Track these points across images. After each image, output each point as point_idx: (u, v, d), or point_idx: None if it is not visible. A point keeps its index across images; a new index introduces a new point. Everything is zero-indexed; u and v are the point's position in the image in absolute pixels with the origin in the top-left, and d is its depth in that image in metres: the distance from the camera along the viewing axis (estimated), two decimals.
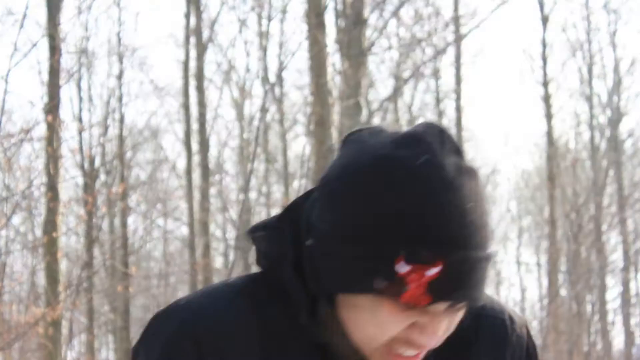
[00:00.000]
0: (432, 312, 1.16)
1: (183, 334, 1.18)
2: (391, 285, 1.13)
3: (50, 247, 10.71)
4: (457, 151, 1.18)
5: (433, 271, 1.12)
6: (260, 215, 21.10)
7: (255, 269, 1.28)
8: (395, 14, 15.49)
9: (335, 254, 1.15)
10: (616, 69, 20.67)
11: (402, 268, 1.12)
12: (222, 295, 1.22)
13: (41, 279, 11.92)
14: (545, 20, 18.75)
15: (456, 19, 16.57)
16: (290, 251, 1.21)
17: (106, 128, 17.16)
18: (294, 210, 1.24)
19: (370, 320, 1.16)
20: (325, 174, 1.21)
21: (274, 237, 1.23)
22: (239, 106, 19.81)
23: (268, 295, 1.22)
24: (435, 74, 18.75)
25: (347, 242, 1.15)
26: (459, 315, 1.20)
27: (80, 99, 16.90)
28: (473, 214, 1.15)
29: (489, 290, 1.41)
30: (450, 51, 17.73)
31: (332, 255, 1.16)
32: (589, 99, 20.63)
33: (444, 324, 1.17)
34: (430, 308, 1.15)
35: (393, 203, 1.14)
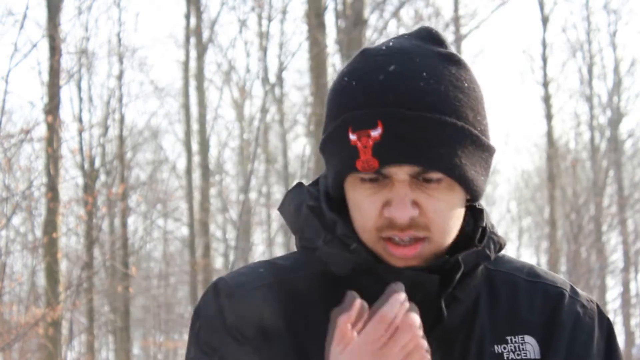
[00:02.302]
0: (396, 184, 1.21)
1: (214, 290, 1.31)
2: (349, 156, 1.22)
3: (50, 247, 10.70)
4: (439, 42, 1.27)
5: (375, 133, 1.19)
6: (260, 215, 21.10)
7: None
8: (396, 14, 15.48)
9: (323, 145, 1.28)
10: (616, 70, 20.67)
11: (352, 136, 1.21)
12: (249, 267, 1.35)
13: (41, 280, 11.92)
14: (545, 20, 18.76)
15: (456, 20, 16.56)
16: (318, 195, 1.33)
17: (106, 128, 17.15)
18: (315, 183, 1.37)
19: (355, 206, 1.25)
20: None
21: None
22: (239, 107, 19.81)
23: (292, 266, 1.32)
24: None
25: (325, 127, 1.27)
26: (438, 190, 1.22)
27: (81, 100, 16.88)
28: (422, 80, 1.21)
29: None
30: None
31: (322, 147, 1.28)
32: (589, 99, 20.63)
33: (408, 194, 1.21)
34: (390, 176, 1.21)
35: (341, 81, 1.26)
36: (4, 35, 26.60)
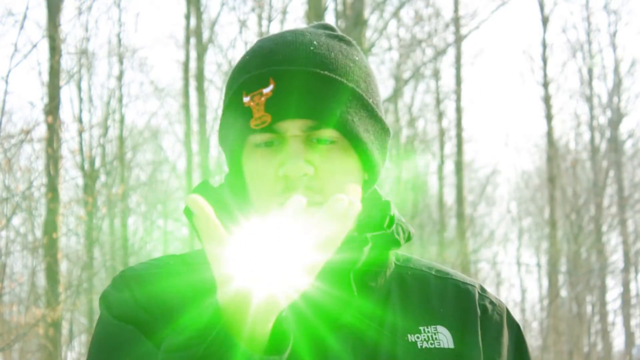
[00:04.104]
0: (289, 141, 1.22)
1: (121, 276, 1.34)
2: (244, 119, 1.23)
3: (51, 247, 10.70)
4: (331, 29, 1.32)
5: (267, 90, 1.22)
6: None
7: None
8: (396, 14, 15.49)
9: (220, 127, 1.30)
10: (616, 70, 20.67)
11: (246, 98, 1.24)
12: (158, 259, 1.37)
13: (41, 280, 11.91)
14: (545, 21, 18.76)
15: (456, 20, 16.56)
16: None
17: (106, 129, 17.15)
18: None
19: (251, 176, 1.26)
20: None
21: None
22: None
23: (199, 258, 1.33)
24: (436, 74, 18.73)
25: (222, 113, 1.29)
26: (332, 152, 1.24)
27: (81, 100, 16.88)
28: (312, 46, 1.25)
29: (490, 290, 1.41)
30: (451, 52, 17.73)
31: (219, 131, 1.30)
32: (589, 99, 20.63)
33: (301, 150, 1.22)
34: (284, 133, 1.22)
35: (241, 59, 1.30)
36: (4, 35, 26.60)
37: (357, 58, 1.29)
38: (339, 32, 1.32)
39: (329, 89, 1.23)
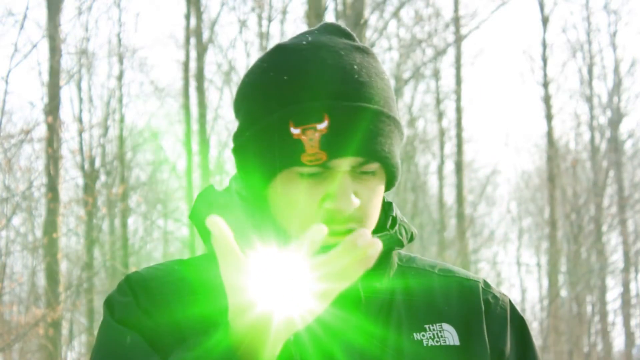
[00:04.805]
0: (338, 176, 1.22)
1: (126, 280, 1.33)
2: (291, 150, 1.21)
3: (51, 248, 10.70)
4: (349, 36, 1.31)
5: (321, 126, 1.20)
6: None
7: None
8: (396, 14, 15.50)
9: (246, 143, 1.26)
10: (616, 70, 20.67)
11: (295, 130, 1.21)
12: (164, 264, 1.36)
13: (41, 280, 11.92)
14: (545, 21, 18.75)
15: (456, 20, 16.56)
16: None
17: (106, 129, 17.15)
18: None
19: (288, 203, 1.25)
20: None
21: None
22: None
23: (205, 262, 1.33)
24: (436, 74, 18.74)
25: (247, 125, 1.26)
26: (372, 182, 1.25)
27: (81, 100, 16.88)
28: (356, 73, 1.24)
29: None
30: (451, 52, 17.74)
31: (244, 145, 1.26)
32: (589, 99, 20.62)
33: (350, 185, 1.22)
34: (333, 168, 1.22)
35: (266, 75, 1.26)
36: (4, 35, 26.59)
37: (385, 76, 1.29)
38: (355, 38, 1.32)
39: (378, 123, 1.24)
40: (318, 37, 1.29)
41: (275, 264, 1.03)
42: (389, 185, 1.31)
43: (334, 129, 1.21)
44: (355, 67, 1.25)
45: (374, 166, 1.25)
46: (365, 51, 1.29)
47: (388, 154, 1.25)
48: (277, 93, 1.24)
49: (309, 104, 1.22)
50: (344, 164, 1.22)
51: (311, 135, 1.21)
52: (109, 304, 1.31)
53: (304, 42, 1.28)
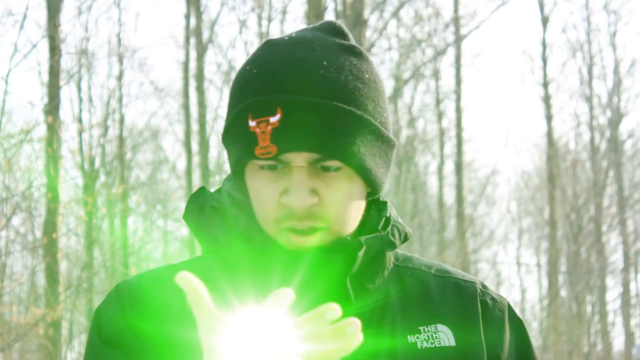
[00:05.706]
0: (294, 171, 1.21)
1: (115, 291, 1.34)
2: (248, 143, 1.22)
3: (50, 248, 10.70)
4: (341, 35, 1.29)
5: (274, 119, 1.20)
6: None
7: None
8: (396, 14, 15.50)
9: (223, 137, 1.28)
10: (616, 70, 20.67)
11: (252, 122, 1.21)
12: (153, 270, 1.36)
13: (41, 280, 11.91)
14: (545, 21, 18.77)
15: (456, 20, 16.56)
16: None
17: (106, 129, 17.14)
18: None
19: (255, 196, 1.25)
20: None
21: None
22: None
23: (194, 266, 1.31)
24: (435, 74, 18.74)
25: (227, 116, 1.27)
26: (337, 180, 1.23)
27: (80, 100, 16.86)
28: (322, 69, 1.22)
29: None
30: (450, 52, 17.74)
31: (222, 139, 1.28)
32: (589, 99, 20.63)
33: (307, 181, 1.21)
34: (288, 163, 1.21)
35: (243, 70, 1.27)
36: (4, 35, 26.60)
37: (366, 75, 1.26)
38: (349, 38, 1.30)
39: (337, 120, 1.21)
40: (304, 33, 1.29)
41: (251, 323, 1.02)
42: (369, 187, 1.28)
43: (286, 122, 1.20)
44: (326, 63, 1.23)
45: (335, 163, 1.22)
46: (352, 50, 1.27)
47: (350, 152, 1.21)
48: (246, 86, 1.25)
49: (265, 97, 1.21)
50: (298, 158, 1.21)
51: (264, 128, 1.20)
52: (96, 317, 1.31)
53: (287, 38, 1.28)
